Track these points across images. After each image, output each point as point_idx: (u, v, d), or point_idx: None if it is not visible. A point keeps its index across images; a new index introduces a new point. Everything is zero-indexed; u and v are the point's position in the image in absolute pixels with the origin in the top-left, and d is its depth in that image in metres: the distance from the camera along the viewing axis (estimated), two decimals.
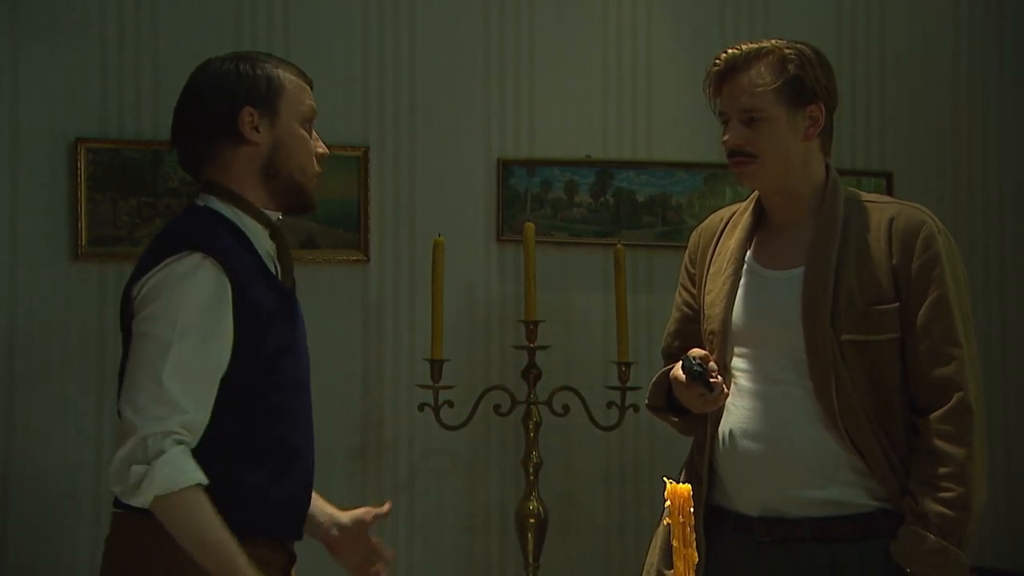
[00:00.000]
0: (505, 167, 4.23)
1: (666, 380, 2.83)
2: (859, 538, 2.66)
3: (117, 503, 2.58)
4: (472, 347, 4.18)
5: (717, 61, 2.72)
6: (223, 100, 2.67)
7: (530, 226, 3.93)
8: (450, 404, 3.91)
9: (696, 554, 2.13)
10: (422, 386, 3.88)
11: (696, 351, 2.70)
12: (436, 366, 3.85)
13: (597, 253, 4.26)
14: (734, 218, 2.88)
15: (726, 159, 2.76)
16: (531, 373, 3.94)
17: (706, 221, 2.97)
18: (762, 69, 2.69)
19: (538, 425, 3.93)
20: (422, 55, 4.20)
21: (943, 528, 2.59)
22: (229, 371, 2.56)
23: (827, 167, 2.76)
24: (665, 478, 2.14)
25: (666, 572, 2.76)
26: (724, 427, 2.74)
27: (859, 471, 2.65)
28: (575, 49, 4.32)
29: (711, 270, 2.84)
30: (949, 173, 4.41)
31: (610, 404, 3.98)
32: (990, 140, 4.52)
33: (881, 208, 2.75)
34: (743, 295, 2.76)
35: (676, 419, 2.87)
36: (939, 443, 2.62)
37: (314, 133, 2.74)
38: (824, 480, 2.67)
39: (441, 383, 3.87)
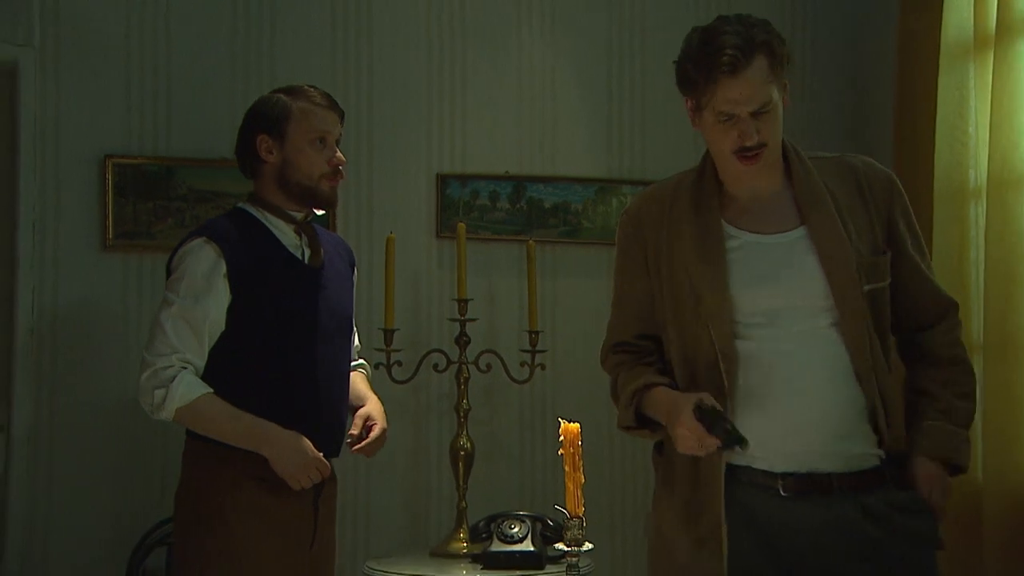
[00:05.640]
0: (442, 180, 4.37)
1: (635, 401, 2.54)
2: (876, 487, 2.46)
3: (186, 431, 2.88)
4: (417, 319, 4.30)
5: (721, 63, 2.34)
6: (248, 129, 2.91)
7: (462, 226, 4.07)
8: (399, 364, 4.07)
9: (583, 476, 2.18)
10: (378, 349, 4.00)
11: (714, 403, 2.36)
12: (388, 334, 4.01)
13: (514, 247, 4.42)
14: (678, 198, 2.54)
15: (734, 154, 2.45)
16: (462, 339, 4.09)
17: (639, 207, 2.59)
18: (761, 62, 2.38)
19: (467, 380, 4.08)
20: (379, 87, 4.33)
21: (964, 419, 2.53)
22: (229, 325, 2.78)
23: None
24: (560, 419, 2.24)
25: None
26: (744, 389, 2.46)
27: (880, 419, 2.45)
28: (497, 85, 4.43)
29: (680, 252, 2.49)
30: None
31: (523, 363, 4.18)
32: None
33: (836, 162, 2.54)
34: (745, 262, 2.47)
35: (652, 434, 2.57)
36: (952, 349, 2.57)
37: (332, 146, 2.86)
38: (852, 432, 2.45)
39: (392, 347, 4.01)
